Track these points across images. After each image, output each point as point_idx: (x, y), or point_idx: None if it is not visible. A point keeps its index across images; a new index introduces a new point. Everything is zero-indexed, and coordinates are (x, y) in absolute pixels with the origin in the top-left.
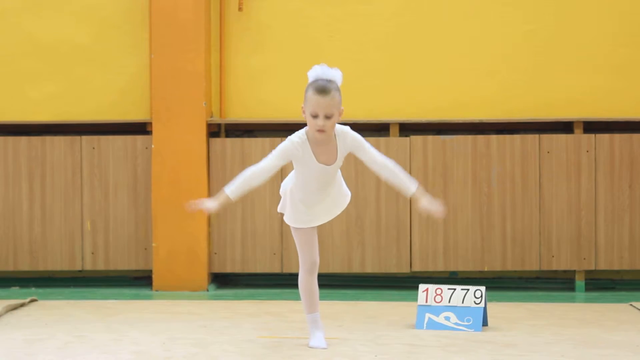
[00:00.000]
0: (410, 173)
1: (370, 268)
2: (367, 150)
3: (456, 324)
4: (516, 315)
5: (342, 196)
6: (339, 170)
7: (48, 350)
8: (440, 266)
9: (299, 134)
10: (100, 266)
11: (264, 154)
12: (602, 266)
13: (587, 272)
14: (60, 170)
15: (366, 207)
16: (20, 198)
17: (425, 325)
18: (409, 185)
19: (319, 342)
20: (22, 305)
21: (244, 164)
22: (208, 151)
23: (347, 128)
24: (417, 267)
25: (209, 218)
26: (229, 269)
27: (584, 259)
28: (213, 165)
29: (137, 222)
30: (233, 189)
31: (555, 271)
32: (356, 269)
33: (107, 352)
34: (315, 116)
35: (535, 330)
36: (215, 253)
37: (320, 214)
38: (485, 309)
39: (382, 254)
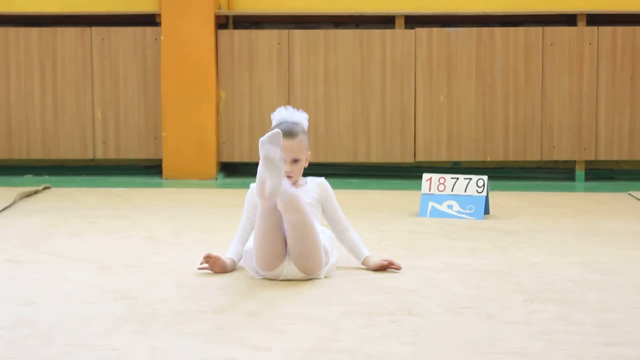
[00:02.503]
0: (415, 65)
1: (375, 158)
2: (335, 206)
3: (458, 212)
4: (517, 204)
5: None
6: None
7: (62, 236)
8: (443, 156)
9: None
10: (111, 155)
11: (270, 46)
12: (602, 156)
13: (587, 162)
14: (71, 61)
15: (371, 97)
16: (32, 88)
17: (428, 214)
18: (362, 251)
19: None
20: (36, 192)
21: (251, 55)
22: (216, 43)
23: (322, 179)
24: (421, 157)
25: (217, 108)
26: (237, 158)
27: (585, 149)
28: (221, 56)
29: (147, 112)
30: (234, 252)
31: (556, 161)
32: (361, 158)
33: (119, 237)
34: None
35: (536, 219)
36: (224, 143)
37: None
38: (487, 197)
39: (386, 144)
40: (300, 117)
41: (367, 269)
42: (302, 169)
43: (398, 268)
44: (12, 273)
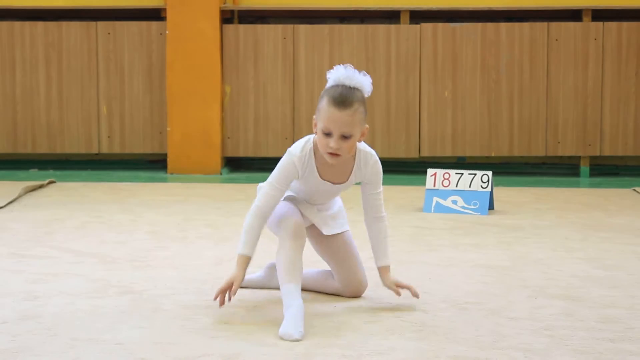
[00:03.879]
0: (420, 61)
1: (379, 153)
2: (378, 190)
3: (463, 207)
4: (522, 199)
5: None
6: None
7: (67, 230)
8: (448, 151)
9: (304, 146)
10: (116, 149)
11: (275, 41)
12: (607, 152)
13: (592, 157)
14: (77, 55)
15: (376, 92)
16: (37, 82)
17: (432, 209)
18: (385, 255)
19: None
20: (41, 186)
21: (257, 50)
22: (221, 37)
23: (374, 153)
24: (426, 152)
25: (222, 103)
26: (241, 153)
27: (589, 145)
28: (226, 51)
29: (152, 107)
30: (247, 247)
31: (561, 157)
32: None
33: (124, 231)
34: (328, 134)
35: (540, 214)
36: (229, 137)
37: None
38: (491, 193)
39: (391, 139)
40: (361, 81)
41: (379, 276)
42: (354, 147)
43: (415, 295)
44: (17, 267)
